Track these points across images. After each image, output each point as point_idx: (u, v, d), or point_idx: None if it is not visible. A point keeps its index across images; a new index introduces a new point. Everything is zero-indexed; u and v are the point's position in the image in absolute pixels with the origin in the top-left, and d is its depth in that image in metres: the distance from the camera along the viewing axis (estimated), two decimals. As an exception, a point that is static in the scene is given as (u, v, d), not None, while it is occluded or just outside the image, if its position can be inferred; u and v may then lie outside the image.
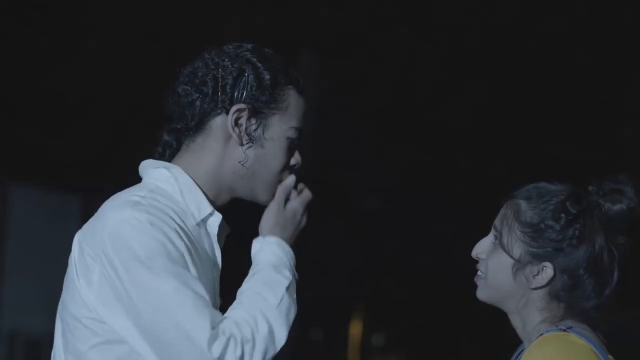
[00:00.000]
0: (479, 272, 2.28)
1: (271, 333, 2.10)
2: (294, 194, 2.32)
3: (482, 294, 2.27)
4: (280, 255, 2.23)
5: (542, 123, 10.19)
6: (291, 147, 2.28)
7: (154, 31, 9.05)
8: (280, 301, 2.15)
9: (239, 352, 2.05)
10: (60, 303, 2.21)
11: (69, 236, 2.23)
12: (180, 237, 2.13)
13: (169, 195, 2.20)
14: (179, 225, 2.15)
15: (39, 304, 8.81)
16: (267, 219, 2.28)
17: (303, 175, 2.36)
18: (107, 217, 2.13)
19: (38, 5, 8.94)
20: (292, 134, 2.26)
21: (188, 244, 2.15)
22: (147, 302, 2.06)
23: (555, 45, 9.48)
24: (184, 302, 2.05)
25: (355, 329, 15.28)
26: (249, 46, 2.27)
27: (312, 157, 10.55)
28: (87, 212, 2.22)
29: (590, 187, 2.25)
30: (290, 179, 2.30)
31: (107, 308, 2.10)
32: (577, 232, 2.18)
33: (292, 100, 2.26)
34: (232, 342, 2.05)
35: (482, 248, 2.27)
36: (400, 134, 10.98)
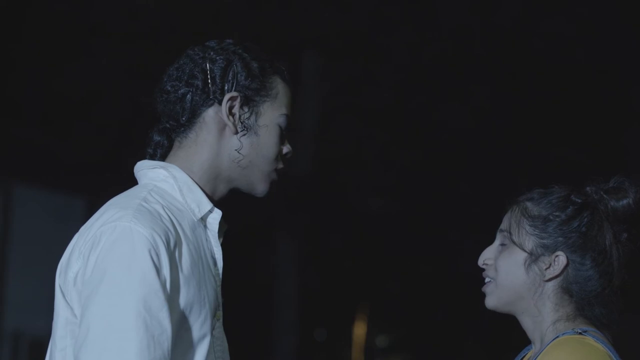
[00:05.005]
0: (486, 279, 2.27)
1: None
2: None
3: (491, 301, 2.25)
4: None
5: (547, 124, 10.19)
6: (282, 134, 2.30)
7: (154, 31, 9.07)
8: None
9: None
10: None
11: (73, 237, 2.23)
12: (175, 249, 2.11)
13: (168, 194, 2.21)
14: (175, 227, 2.14)
15: (43, 305, 8.80)
16: None
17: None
18: (106, 220, 2.12)
19: (39, 5, 8.96)
20: (282, 121, 2.29)
21: (184, 248, 2.14)
22: (98, 322, 2.02)
23: (558, 47, 9.48)
24: (128, 340, 2.00)
25: (359, 330, 15.28)
26: (231, 40, 2.31)
27: (314, 158, 10.57)
28: (92, 212, 2.22)
29: (587, 188, 2.26)
30: None
31: (78, 305, 2.10)
32: (585, 220, 2.21)
33: (280, 88, 2.30)
34: None
35: (488, 254, 2.27)
36: (403, 135, 10.98)
